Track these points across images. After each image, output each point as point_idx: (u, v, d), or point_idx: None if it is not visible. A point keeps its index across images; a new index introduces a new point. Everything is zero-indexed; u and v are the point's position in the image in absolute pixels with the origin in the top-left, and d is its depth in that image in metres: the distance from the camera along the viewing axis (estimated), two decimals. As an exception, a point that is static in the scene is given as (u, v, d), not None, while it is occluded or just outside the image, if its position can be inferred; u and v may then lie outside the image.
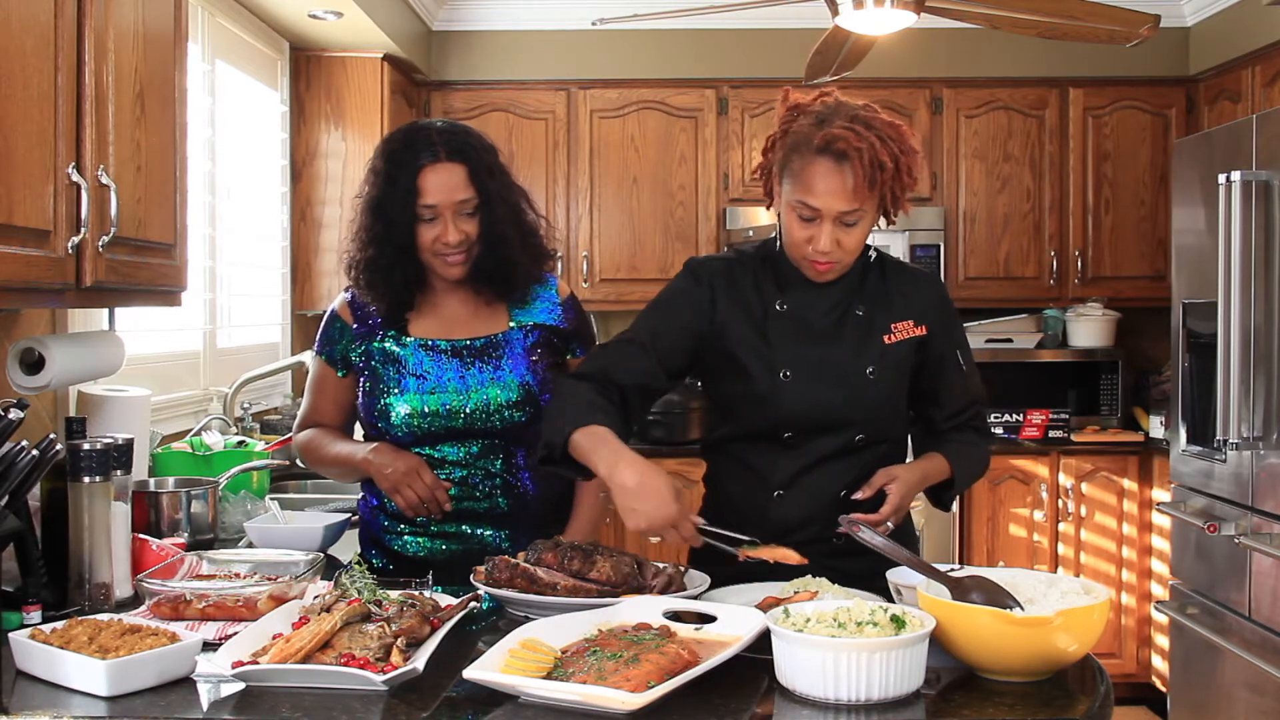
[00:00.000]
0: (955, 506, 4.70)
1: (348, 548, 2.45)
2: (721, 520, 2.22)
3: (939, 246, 4.96)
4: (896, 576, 1.86)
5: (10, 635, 1.70)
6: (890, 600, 1.83)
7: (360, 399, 2.36)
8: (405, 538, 2.34)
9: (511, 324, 2.36)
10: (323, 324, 2.41)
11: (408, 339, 2.33)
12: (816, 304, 2.16)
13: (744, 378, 2.16)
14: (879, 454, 2.19)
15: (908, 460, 2.25)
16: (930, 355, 2.21)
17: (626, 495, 1.93)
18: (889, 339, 2.16)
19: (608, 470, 1.96)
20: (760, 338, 2.16)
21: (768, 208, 2.20)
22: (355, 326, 2.36)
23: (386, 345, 2.33)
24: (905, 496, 2.12)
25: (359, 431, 2.45)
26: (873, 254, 2.21)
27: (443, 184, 2.22)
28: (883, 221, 2.13)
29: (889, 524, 2.10)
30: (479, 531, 2.32)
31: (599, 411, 2.05)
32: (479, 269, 2.30)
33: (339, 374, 2.38)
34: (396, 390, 2.29)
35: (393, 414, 2.29)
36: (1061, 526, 4.83)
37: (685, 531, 1.96)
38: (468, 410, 2.28)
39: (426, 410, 2.28)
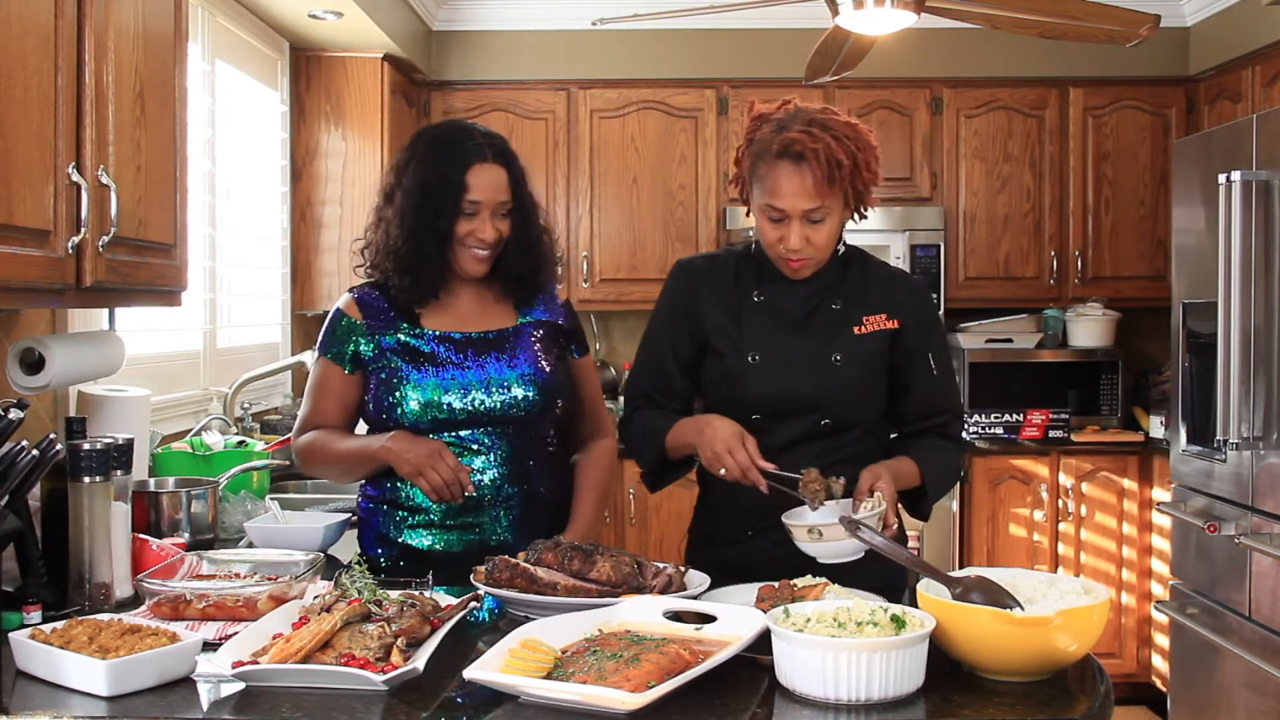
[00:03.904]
0: (955, 506, 4.74)
1: (348, 548, 2.44)
2: (703, 505, 2.40)
3: (939, 246, 4.96)
4: (803, 518, 2.04)
5: (10, 635, 1.70)
6: (890, 601, 1.83)
7: (370, 393, 2.35)
8: (411, 529, 2.34)
9: (520, 319, 2.40)
10: (326, 325, 2.41)
11: (421, 330, 2.35)
12: (792, 296, 2.28)
13: (717, 361, 2.29)
14: (847, 441, 2.26)
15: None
16: (900, 350, 2.29)
17: (710, 424, 2.16)
18: (859, 330, 2.27)
19: (696, 426, 2.19)
20: (734, 325, 2.29)
21: (746, 214, 2.32)
22: (365, 322, 2.36)
23: (400, 337, 2.35)
24: (894, 493, 2.15)
25: (362, 430, 2.44)
26: (841, 248, 2.30)
27: (490, 183, 2.31)
28: (856, 218, 2.25)
29: (893, 524, 2.11)
30: (486, 525, 2.32)
31: (672, 417, 2.30)
32: (509, 270, 2.38)
33: (346, 371, 2.37)
34: (410, 381, 2.30)
35: (407, 404, 2.29)
36: (1061, 526, 4.83)
37: (742, 458, 2.09)
38: (480, 401, 2.30)
39: (440, 400, 2.29)
